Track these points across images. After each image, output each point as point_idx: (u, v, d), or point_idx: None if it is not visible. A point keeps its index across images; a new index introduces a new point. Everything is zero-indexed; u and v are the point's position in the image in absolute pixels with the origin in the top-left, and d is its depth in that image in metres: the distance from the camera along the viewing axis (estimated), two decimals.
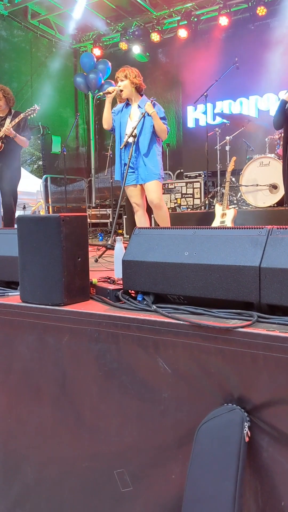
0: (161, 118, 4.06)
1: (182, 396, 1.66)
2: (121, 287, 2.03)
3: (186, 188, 7.38)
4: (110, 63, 9.30)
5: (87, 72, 9.41)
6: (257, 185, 5.75)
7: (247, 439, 1.46)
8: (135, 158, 4.07)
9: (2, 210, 5.47)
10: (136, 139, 3.98)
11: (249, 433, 1.46)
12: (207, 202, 6.70)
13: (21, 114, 5.02)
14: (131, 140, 3.97)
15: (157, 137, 4.10)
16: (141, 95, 4.19)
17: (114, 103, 4.52)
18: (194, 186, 7.30)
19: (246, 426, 1.46)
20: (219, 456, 1.45)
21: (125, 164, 4.12)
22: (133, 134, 3.94)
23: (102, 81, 9.30)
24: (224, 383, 1.57)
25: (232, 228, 1.81)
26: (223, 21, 8.02)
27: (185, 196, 7.35)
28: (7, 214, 5.20)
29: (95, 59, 9.47)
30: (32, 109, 5.05)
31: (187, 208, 7.25)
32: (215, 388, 1.59)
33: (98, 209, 8.98)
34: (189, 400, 1.65)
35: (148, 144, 4.02)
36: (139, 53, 9.03)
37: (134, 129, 3.95)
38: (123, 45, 9.28)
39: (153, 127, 4.03)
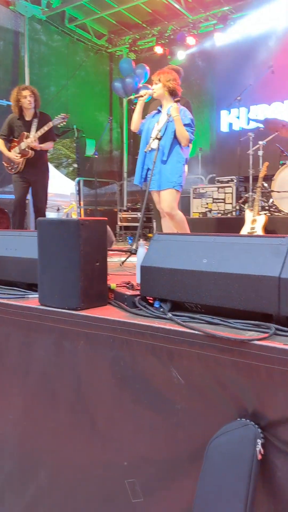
0: (186, 125, 3.91)
1: (196, 408, 1.62)
2: (139, 293, 2.00)
3: (218, 193, 7.29)
4: (148, 68, 9.32)
5: (125, 77, 9.47)
6: None
7: (259, 456, 1.39)
8: (156, 163, 3.96)
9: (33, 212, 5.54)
10: (159, 143, 3.90)
11: (262, 450, 1.40)
12: (238, 207, 6.60)
13: (50, 123, 4.96)
14: (155, 144, 3.90)
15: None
16: (176, 101, 4.05)
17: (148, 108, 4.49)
18: (226, 191, 7.19)
19: (259, 443, 1.40)
20: (230, 474, 1.39)
21: (148, 169, 4.06)
22: (158, 137, 3.86)
23: (139, 85, 9.32)
24: (239, 397, 1.51)
25: (253, 236, 1.74)
26: None
27: (216, 201, 7.26)
28: (39, 216, 5.24)
29: (133, 64, 9.51)
30: (61, 117, 5.00)
31: (218, 213, 7.15)
32: (229, 402, 1.53)
33: (129, 213, 8.99)
34: (203, 413, 1.60)
35: (169, 150, 3.91)
36: (183, 59, 8.97)
37: (159, 131, 3.89)
38: (158, 49, 9.29)
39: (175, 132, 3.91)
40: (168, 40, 9.28)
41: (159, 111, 4.16)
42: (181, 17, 8.93)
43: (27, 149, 4.95)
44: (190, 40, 8.81)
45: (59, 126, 5.04)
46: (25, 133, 4.99)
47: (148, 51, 9.92)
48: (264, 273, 1.60)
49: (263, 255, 1.65)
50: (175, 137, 3.93)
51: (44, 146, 5.05)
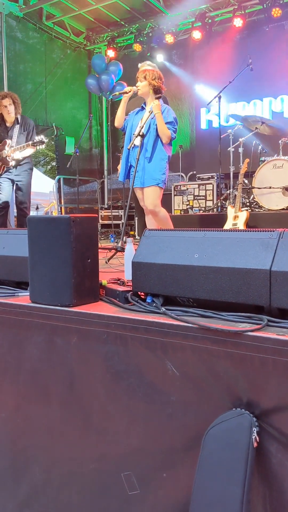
0: (168, 123, 3.95)
1: (190, 399, 1.65)
2: (131, 289, 2.02)
3: (199, 190, 7.35)
4: (121, 65, 9.32)
5: (99, 74, 9.43)
6: (270, 187, 5.70)
7: (255, 444, 1.44)
8: (140, 160, 3.99)
9: (15, 209, 5.51)
10: (142, 140, 3.94)
11: (257, 438, 1.45)
12: (219, 204, 6.67)
13: (29, 143, 4.96)
14: (138, 141, 3.92)
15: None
16: (157, 97, 4.06)
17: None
18: (207, 188, 7.26)
19: (255, 431, 1.44)
20: (227, 461, 1.43)
21: (131, 166, 4.09)
22: (140, 133, 3.89)
23: (114, 83, 9.31)
24: (233, 387, 1.55)
25: (243, 231, 1.79)
26: (238, 22, 7.99)
27: (198, 198, 7.33)
28: (21, 216, 5.21)
29: (106, 61, 9.49)
30: (39, 141, 4.97)
31: (199, 210, 7.22)
32: (223, 392, 1.57)
33: (110, 211, 9.00)
34: (197, 403, 1.63)
35: (152, 147, 3.94)
36: (162, 61, 9.02)
37: (142, 128, 3.91)
38: (137, 47, 9.30)
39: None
40: (146, 37, 9.30)
41: (143, 108, 4.18)
42: (159, 15, 8.96)
43: (7, 159, 4.94)
44: (168, 38, 8.85)
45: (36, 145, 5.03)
46: (7, 141, 4.97)
47: (126, 49, 9.93)
48: (255, 266, 1.64)
49: (253, 249, 1.69)
50: (158, 134, 3.96)
51: (25, 153, 5.03)
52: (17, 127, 5.01)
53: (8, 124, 5.05)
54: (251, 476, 1.42)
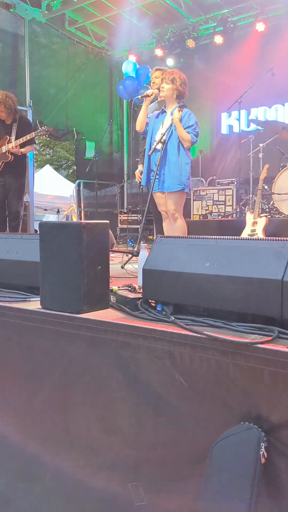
0: (189, 127, 3.93)
1: (198, 411, 1.62)
2: (141, 296, 2.00)
3: (218, 195, 7.29)
4: (150, 69, 9.31)
5: (127, 79, 9.42)
6: None
7: (263, 460, 1.39)
8: (162, 165, 4.00)
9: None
10: (164, 145, 3.93)
11: (265, 454, 1.40)
12: (238, 209, 6.60)
13: (33, 133, 4.96)
14: (159, 146, 3.92)
15: None
16: (181, 106, 4.02)
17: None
18: (226, 193, 7.19)
19: (263, 447, 1.40)
20: (233, 477, 1.39)
21: (152, 171, 4.08)
22: (162, 140, 3.89)
23: (138, 86, 9.30)
24: (242, 400, 1.51)
25: (255, 240, 1.75)
26: (260, 27, 7.90)
27: (217, 203, 7.26)
28: (13, 220, 5.14)
29: (137, 66, 9.49)
30: (44, 130, 5.00)
31: (219, 215, 7.16)
32: (232, 405, 1.53)
33: (129, 215, 8.98)
34: (206, 415, 1.60)
35: (176, 152, 3.94)
36: (173, 65, 9.01)
37: (163, 135, 3.91)
38: (158, 52, 9.29)
39: None
40: (168, 42, 9.29)
41: (163, 111, 4.17)
42: (181, 20, 8.94)
43: (7, 154, 4.95)
44: (190, 43, 8.81)
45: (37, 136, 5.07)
46: (8, 137, 4.99)
47: (148, 54, 9.92)
48: (266, 276, 1.60)
49: (265, 258, 1.65)
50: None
51: (25, 150, 5.04)
52: (15, 125, 5.02)
53: (7, 122, 5.08)
54: (258, 494, 1.38)
